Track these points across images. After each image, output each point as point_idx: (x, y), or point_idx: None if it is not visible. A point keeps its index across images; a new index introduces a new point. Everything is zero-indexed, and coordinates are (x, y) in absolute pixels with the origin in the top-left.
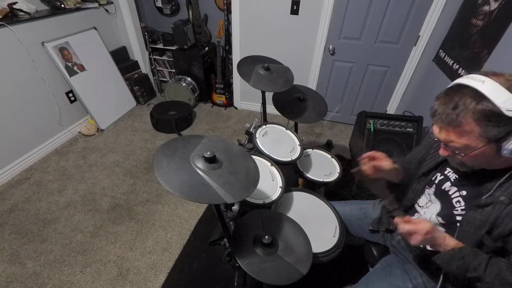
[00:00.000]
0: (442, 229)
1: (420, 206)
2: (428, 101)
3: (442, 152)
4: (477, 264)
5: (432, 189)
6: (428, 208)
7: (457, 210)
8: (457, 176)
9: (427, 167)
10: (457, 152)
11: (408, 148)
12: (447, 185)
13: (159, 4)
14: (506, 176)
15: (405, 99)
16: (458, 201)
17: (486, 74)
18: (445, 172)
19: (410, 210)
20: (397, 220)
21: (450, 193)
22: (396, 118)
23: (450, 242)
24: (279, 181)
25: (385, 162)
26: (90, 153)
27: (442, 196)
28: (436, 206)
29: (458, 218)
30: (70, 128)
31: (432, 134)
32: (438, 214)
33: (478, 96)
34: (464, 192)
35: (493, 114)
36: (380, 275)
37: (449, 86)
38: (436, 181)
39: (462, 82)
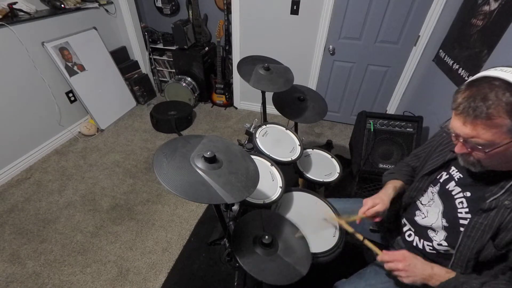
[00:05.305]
0: (443, 232)
1: (422, 204)
2: (428, 101)
3: (459, 149)
4: None
5: (436, 187)
6: (430, 207)
7: (460, 212)
8: (461, 176)
9: (432, 165)
10: (480, 148)
11: (408, 148)
12: (451, 184)
13: (159, 4)
14: None
15: (405, 99)
16: (461, 202)
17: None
18: (450, 171)
19: (410, 207)
20: (378, 257)
21: (453, 193)
22: (396, 118)
23: (440, 271)
24: (279, 181)
25: (379, 206)
26: (90, 153)
27: (445, 196)
28: (438, 206)
29: (462, 222)
30: (70, 128)
31: (450, 129)
32: (443, 216)
33: (511, 87)
34: (468, 194)
35: None
36: (375, 269)
37: (472, 78)
38: (441, 180)
39: (491, 74)
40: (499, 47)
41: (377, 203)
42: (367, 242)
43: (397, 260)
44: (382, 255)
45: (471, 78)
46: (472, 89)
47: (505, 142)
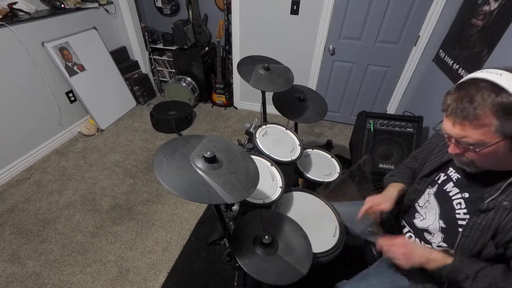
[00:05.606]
0: (440, 234)
1: (420, 206)
2: (428, 101)
3: (452, 150)
4: (463, 277)
5: (434, 189)
6: (427, 209)
7: (459, 213)
8: (459, 177)
9: (430, 167)
10: (471, 148)
11: (408, 148)
12: (449, 185)
13: (159, 4)
14: (511, 179)
15: (405, 99)
16: (459, 203)
17: (500, 69)
18: (448, 172)
19: (410, 210)
20: (379, 240)
21: (451, 194)
22: (396, 118)
23: (437, 256)
24: (279, 181)
25: (385, 205)
26: (90, 153)
27: (443, 197)
28: (435, 207)
29: (461, 222)
30: (70, 128)
31: (442, 131)
32: (440, 217)
33: (497, 88)
34: (466, 195)
35: None
36: (377, 270)
37: (461, 81)
38: (439, 181)
39: (477, 76)
40: (499, 47)
41: (384, 201)
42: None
43: (396, 246)
44: (382, 241)
45: (460, 81)
46: (460, 92)
47: (495, 142)
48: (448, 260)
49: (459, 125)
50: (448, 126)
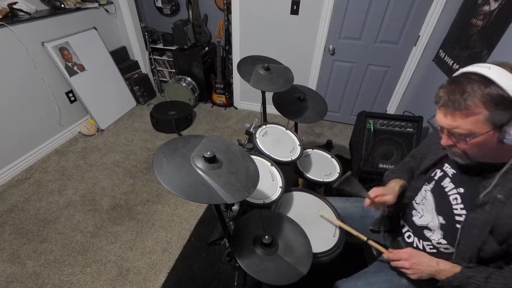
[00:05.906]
0: (440, 231)
1: (417, 203)
2: (428, 101)
3: (445, 141)
4: (475, 285)
5: (430, 185)
6: (424, 205)
7: (456, 209)
8: (455, 172)
9: (427, 164)
10: (462, 138)
11: (408, 148)
12: (446, 181)
13: (159, 4)
14: (503, 170)
15: (405, 99)
16: (455, 199)
17: (489, 63)
18: (444, 168)
19: (408, 208)
20: (384, 255)
21: (447, 190)
22: (396, 118)
23: (445, 266)
24: (279, 181)
25: (388, 197)
26: (90, 153)
27: (439, 193)
28: (431, 203)
29: (458, 218)
30: (70, 128)
31: (435, 123)
32: (438, 213)
33: (486, 80)
34: (461, 190)
35: (501, 98)
36: (375, 269)
37: (454, 75)
38: (436, 177)
39: (468, 70)
40: (499, 47)
41: (388, 193)
42: (371, 242)
43: (403, 258)
44: (388, 254)
45: (453, 75)
46: (452, 85)
47: (484, 131)
48: (457, 269)
49: (450, 115)
50: (440, 118)
